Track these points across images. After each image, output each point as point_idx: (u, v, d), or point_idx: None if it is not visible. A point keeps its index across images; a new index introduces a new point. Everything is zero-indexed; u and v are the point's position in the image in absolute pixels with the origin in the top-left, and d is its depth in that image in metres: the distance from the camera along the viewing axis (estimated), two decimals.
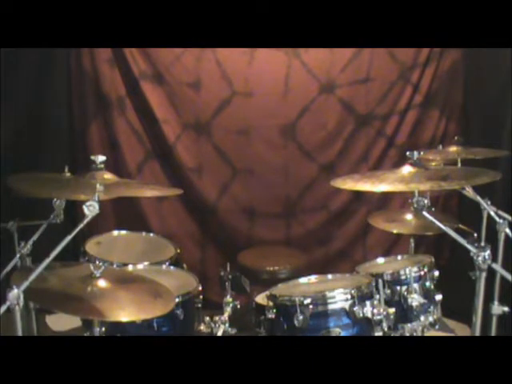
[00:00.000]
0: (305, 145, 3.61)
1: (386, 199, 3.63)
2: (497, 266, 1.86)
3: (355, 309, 2.01)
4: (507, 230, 2.18)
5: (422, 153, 2.04)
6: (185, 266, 2.57)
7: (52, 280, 1.75)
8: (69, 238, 1.65)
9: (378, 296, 2.14)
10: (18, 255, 2.15)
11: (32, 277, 1.58)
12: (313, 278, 2.33)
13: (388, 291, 2.23)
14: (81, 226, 1.66)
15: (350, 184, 2.10)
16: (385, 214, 3.10)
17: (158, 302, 1.78)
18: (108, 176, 1.91)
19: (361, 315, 2.01)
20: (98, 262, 2.23)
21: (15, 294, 1.54)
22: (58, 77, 3.38)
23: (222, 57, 3.49)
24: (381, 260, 2.53)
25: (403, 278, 2.26)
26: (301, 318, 1.99)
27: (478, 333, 1.90)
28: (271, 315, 2.10)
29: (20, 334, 1.61)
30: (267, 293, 2.18)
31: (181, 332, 2.07)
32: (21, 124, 3.28)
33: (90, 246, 2.55)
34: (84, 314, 1.86)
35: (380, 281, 2.22)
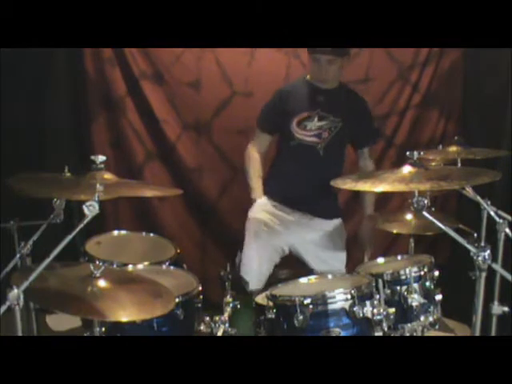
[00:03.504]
0: None
1: (385, 199, 3.63)
2: (497, 266, 1.87)
3: (355, 309, 2.01)
4: (507, 230, 2.18)
5: (421, 153, 2.04)
6: (185, 266, 2.57)
7: (52, 280, 1.75)
8: (69, 237, 1.65)
9: (378, 296, 2.14)
10: (18, 255, 2.15)
11: (32, 277, 1.58)
12: (313, 278, 2.32)
13: (388, 291, 2.23)
14: (81, 225, 1.66)
15: (350, 184, 2.10)
16: (385, 214, 3.09)
17: (158, 302, 1.78)
18: (108, 176, 1.91)
19: (361, 315, 2.01)
20: (97, 262, 2.22)
21: (15, 294, 1.54)
22: (58, 77, 3.38)
23: (222, 57, 3.50)
24: (381, 260, 2.53)
25: (403, 277, 2.26)
26: (301, 317, 1.99)
27: (477, 333, 1.90)
28: (271, 315, 2.10)
29: (20, 334, 1.61)
30: (267, 293, 2.18)
31: (181, 332, 2.06)
32: (21, 124, 3.28)
33: (90, 246, 2.55)
34: (84, 314, 1.86)
35: (380, 281, 2.22)
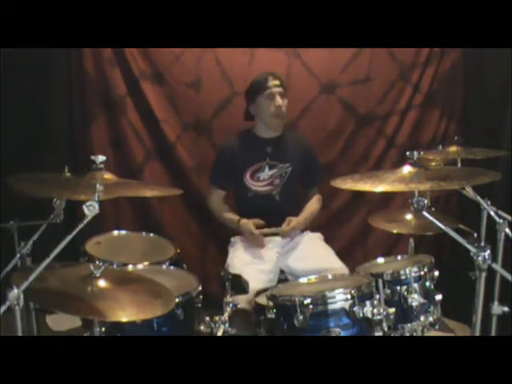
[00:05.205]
0: None
1: (386, 199, 3.63)
2: (497, 266, 1.86)
3: (355, 309, 2.01)
4: (507, 230, 2.18)
5: (422, 153, 2.04)
6: (185, 266, 2.57)
7: (52, 280, 1.75)
8: (69, 237, 1.65)
9: (378, 296, 2.14)
10: (18, 255, 2.15)
11: (32, 277, 1.58)
12: (313, 278, 2.33)
13: (388, 291, 2.23)
14: (81, 226, 1.66)
15: (350, 184, 2.10)
16: (385, 214, 3.09)
17: (158, 302, 1.78)
18: (108, 176, 1.91)
19: (361, 315, 2.01)
20: (97, 262, 2.22)
21: (15, 294, 1.55)
22: (57, 77, 3.38)
23: (222, 57, 3.49)
24: (381, 260, 2.53)
25: (403, 277, 2.25)
26: (301, 318, 1.99)
27: (477, 333, 1.90)
28: (271, 315, 2.10)
29: (20, 333, 1.61)
30: (267, 293, 2.18)
31: (181, 332, 2.07)
32: (21, 124, 3.28)
33: (90, 246, 2.55)
34: (84, 314, 1.86)
35: (380, 281, 2.22)
